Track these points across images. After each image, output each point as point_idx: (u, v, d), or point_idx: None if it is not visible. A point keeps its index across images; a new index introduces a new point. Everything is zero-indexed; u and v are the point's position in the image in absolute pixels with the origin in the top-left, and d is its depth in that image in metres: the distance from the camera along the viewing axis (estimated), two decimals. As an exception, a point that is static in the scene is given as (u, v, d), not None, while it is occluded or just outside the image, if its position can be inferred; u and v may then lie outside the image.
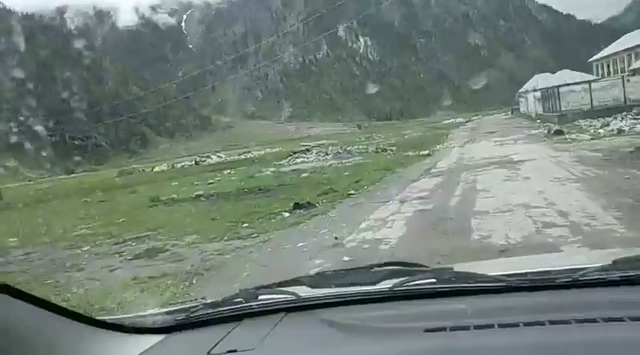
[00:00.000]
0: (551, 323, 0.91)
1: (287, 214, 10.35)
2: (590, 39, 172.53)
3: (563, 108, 28.33)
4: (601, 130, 21.44)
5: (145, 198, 16.73)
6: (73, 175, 59.55)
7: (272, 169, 23.14)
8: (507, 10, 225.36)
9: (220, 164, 35.50)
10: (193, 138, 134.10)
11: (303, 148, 31.59)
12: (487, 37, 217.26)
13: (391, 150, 26.71)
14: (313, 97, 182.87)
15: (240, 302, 1.21)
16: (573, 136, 20.63)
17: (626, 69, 38.47)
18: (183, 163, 40.67)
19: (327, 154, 26.07)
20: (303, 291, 1.18)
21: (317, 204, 11.05)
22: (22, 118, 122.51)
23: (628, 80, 28.70)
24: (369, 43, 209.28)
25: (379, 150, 27.28)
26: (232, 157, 44.25)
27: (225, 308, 1.22)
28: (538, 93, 37.24)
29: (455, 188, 11.28)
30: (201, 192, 16.39)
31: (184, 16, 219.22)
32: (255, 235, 8.56)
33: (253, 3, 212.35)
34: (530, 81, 55.30)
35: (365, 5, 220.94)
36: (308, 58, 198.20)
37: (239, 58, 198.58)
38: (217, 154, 49.09)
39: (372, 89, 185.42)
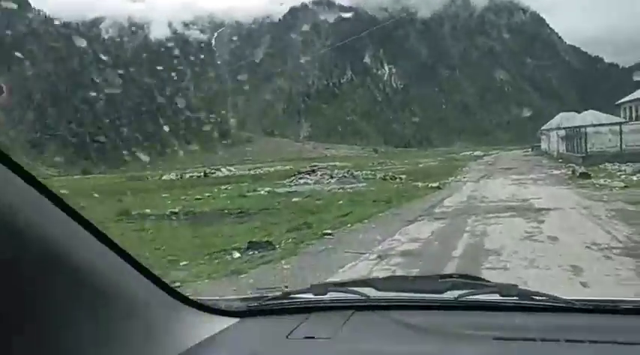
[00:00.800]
0: (617, 343, 0.94)
1: (237, 255, 9.00)
2: (616, 82, 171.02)
3: (588, 150, 27.05)
4: (634, 177, 19.66)
5: (120, 209, 15.88)
6: (88, 176, 60.40)
7: (268, 189, 22.00)
8: (535, 47, 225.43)
9: (227, 177, 35.33)
10: (212, 150, 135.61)
11: (309, 169, 30.27)
12: (512, 73, 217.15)
13: (400, 178, 25.70)
14: (334, 119, 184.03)
15: (310, 297, 1.26)
16: (602, 181, 18.58)
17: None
18: (193, 174, 40.86)
19: (331, 177, 25.07)
20: (372, 292, 1.22)
21: (278, 245, 9.50)
22: (46, 118, 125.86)
23: None
24: (393, 70, 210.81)
25: (387, 177, 26.03)
26: (242, 172, 44.26)
27: (296, 300, 1.29)
28: (562, 132, 36.28)
29: (456, 243, 8.88)
30: (178, 210, 15.56)
31: (215, 34, 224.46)
32: (179, 284, 7.42)
33: (283, 25, 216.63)
34: (554, 119, 54.51)
35: (392, 34, 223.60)
36: (332, 81, 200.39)
37: (264, 76, 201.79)
38: (228, 167, 49.30)
39: (393, 115, 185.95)
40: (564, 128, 36.14)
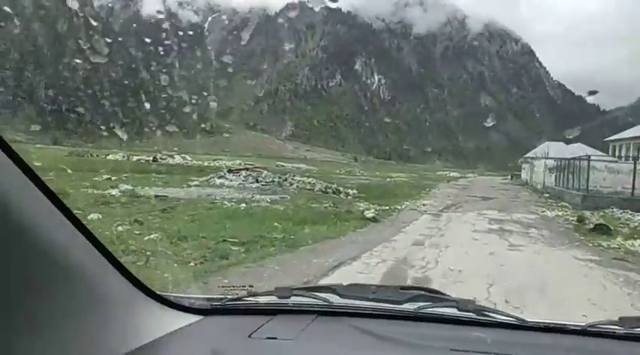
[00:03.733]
0: None
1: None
2: (597, 123, 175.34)
3: (590, 188, 20.69)
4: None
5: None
6: (54, 146, 57.71)
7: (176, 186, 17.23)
8: (522, 79, 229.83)
9: (171, 166, 30.18)
10: (190, 137, 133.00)
11: (242, 167, 24.90)
12: (498, 100, 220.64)
13: (346, 194, 18.99)
14: (318, 122, 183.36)
15: (274, 299, 1.29)
16: (629, 244, 10.21)
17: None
18: (142, 157, 37.01)
19: (256, 181, 20.25)
20: (334, 299, 1.26)
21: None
22: (23, 80, 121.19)
23: None
24: (382, 81, 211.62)
25: (329, 191, 19.26)
26: (198, 162, 39.49)
27: (260, 301, 1.30)
28: (550, 162, 31.24)
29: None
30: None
31: (209, 18, 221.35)
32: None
33: (278, 19, 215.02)
34: (540, 147, 50.03)
35: (385, 45, 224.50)
36: (321, 83, 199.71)
37: (253, 69, 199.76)
38: (183, 155, 43.91)
39: (377, 126, 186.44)
40: (555, 158, 30.69)
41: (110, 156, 37.77)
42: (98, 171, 19.09)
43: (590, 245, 10.25)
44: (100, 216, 9.26)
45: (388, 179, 38.90)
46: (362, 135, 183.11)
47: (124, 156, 37.46)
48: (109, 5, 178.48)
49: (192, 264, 6.89)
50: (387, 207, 15.21)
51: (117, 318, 0.98)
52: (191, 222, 10.20)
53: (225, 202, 13.69)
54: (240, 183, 19.48)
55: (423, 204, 17.44)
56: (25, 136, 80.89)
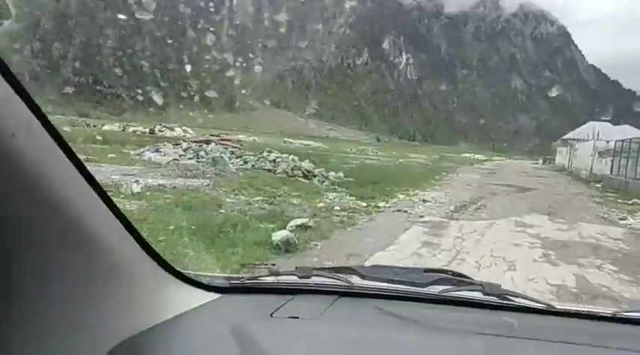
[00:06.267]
0: (590, 346, 1.02)
1: None
2: (629, 108, 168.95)
3: None
4: None
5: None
6: (79, 118, 58.17)
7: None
8: (556, 61, 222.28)
9: (165, 138, 27.71)
10: (214, 112, 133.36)
11: (203, 140, 20.09)
12: (529, 83, 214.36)
13: (323, 178, 13.94)
14: (342, 100, 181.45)
15: (295, 279, 1.27)
16: None
17: None
18: (139, 128, 35.53)
19: (197, 156, 15.89)
20: (356, 280, 1.24)
21: None
22: (52, 51, 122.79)
23: None
24: (410, 61, 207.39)
25: (300, 172, 14.09)
26: (195, 135, 38.75)
27: (281, 281, 1.28)
28: (602, 144, 26.21)
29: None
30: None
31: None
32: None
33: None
34: (583, 127, 44.56)
35: (415, 24, 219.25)
36: (347, 61, 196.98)
37: (279, 45, 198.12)
38: (184, 128, 41.54)
39: (402, 106, 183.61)
40: (614, 141, 24.34)
41: (105, 127, 36.80)
42: (104, 142, 17.92)
43: None
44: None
45: (402, 159, 34.57)
46: (387, 115, 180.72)
47: (120, 127, 36.44)
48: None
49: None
50: (365, 205, 9.44)
51: (140, 293, 1.00)
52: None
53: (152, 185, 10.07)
54: (175, 159, 15.09)
55: (424, 200, 10.83)
56: (51, 107, 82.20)
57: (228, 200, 8.94)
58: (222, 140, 19.50)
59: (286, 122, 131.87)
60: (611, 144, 24.49)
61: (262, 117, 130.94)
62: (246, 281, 1.27)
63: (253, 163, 14.95)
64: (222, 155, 15.85)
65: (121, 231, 0.93)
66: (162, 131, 31.98)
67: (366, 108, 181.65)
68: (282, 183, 11.93)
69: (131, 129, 34.75)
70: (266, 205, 8.57)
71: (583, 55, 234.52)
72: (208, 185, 10.88)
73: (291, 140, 55.01)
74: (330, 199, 9.98)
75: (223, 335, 1.00)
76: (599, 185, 20.71)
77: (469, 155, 67.56)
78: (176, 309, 1.08)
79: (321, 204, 9.12)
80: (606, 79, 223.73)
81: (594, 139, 28.34)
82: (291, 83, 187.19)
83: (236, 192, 10.01)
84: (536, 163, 52.73)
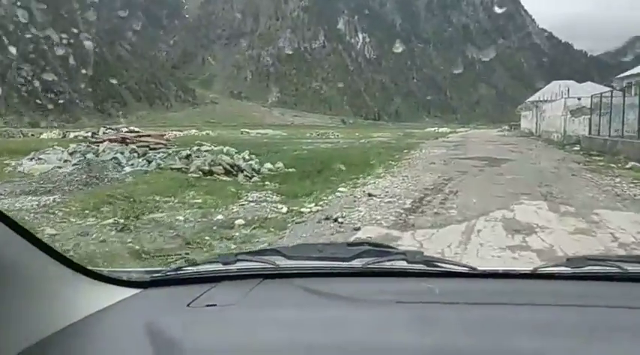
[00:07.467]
0: (510, 305, 1.04)
1: None
2: (583, 69, 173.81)
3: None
4: None
5: None
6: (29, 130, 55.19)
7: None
8: (508, 28, 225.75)
9: (97, 142, 26.05)
10: (174, 110, 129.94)
11: (105, 138, 17.28)
12: (484, 52, 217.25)
13: (253, 172, 11.68)
14: (303, 86, 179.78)
15: (218, 266, 1.25)
16: None
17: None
18: (81, 133, 33.06)
19: (84, 158, 13.12)
20: (280, 261, 1.24)
21: None
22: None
23: None
24: (367, 39, 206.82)
25: (221, 169, 11.26)
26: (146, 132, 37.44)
27: (202, 270, 1.26)
28: (573, 102, 23.91)
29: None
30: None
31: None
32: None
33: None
34: (548, 87, 41.66)
35: (369, 2, 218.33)
36: (303, 45, 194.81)
37: (234, 35, 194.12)
38: (131, 128, 38.43)
39: (364, 86, 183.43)
40: (591, 97, 21.81)
41: (44, 135, 34.59)
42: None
43: None
44: None
45: (363, 140, 32.37)
46: (350, 96, 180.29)
47: (59, 134, 34.22)
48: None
49: None
50: (285, 212, 6.88)
51: (42, 298, 0.95)
52: None
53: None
54: (57, 167, 12.17)
55: (370, 195, 7.82)
56: None
57: (51, 231, 5.76)
58: (139, 137, 17.30)
59: (249, 113, 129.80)
60: (583, 102, 22.72)
61: (225, 110, 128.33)
62: (167, 274, 1.23)
63: (159, 162, 12.48)
64: (118, 155, 13.15)
65: (12, 237, 0.89)
66: (106, 133, 28.52)
67: (328, 91, 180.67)
68: (188, 185, 9.30)
69: (72, 134, 32.17)
70: (113, 232, 5.60)
71: (534, 20, 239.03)
72: (57, 202, 7.79)
73: (248, 130, 54.06)
74: (248, 201, 7.73)
75: (136, 331, 0.97)
76: (577, 147, 19.36)
77: (433, 129, 67.03)
78: (88, 309, 1.03)
79: (229, 212, 6.78)
80: (557, 42, 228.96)
81: (564, 98, 25.91)
82: (249, 73, 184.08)
83: (88, 211, 6.88)
84: (501, 130, 51.97)
